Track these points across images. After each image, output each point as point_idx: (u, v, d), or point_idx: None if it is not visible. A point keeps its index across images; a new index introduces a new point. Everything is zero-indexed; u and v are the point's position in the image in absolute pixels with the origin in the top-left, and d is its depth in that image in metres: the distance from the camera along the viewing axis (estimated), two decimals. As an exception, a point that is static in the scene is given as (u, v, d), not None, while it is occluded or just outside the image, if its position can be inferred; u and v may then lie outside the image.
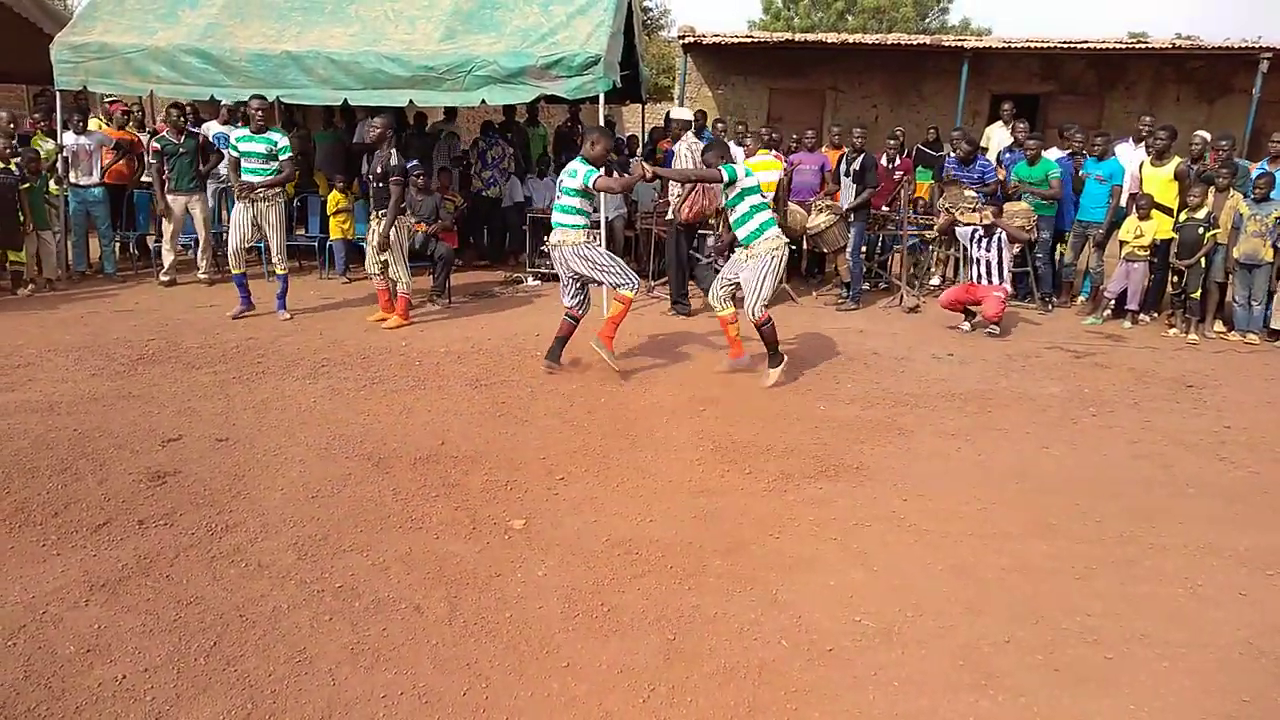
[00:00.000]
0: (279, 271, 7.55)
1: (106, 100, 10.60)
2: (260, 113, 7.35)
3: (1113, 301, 8.41)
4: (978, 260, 7.77)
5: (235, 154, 7.34)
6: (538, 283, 9.53)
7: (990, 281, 7.72)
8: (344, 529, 3.81)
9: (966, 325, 7.91)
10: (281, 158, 7.39)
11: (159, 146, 8.74)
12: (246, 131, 7.36)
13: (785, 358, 6.15)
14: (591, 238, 6.14)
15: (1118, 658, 3.08)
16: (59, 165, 8.73)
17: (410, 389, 5.76)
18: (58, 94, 8.71)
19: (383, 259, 7.25)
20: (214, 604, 3.20)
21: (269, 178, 7.32)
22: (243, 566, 3.47)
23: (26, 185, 8.21)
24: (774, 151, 9.02)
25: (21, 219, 8.20)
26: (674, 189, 8.29)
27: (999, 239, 7.65)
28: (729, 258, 8.43)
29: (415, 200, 8.17)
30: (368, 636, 3.06)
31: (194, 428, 4.92)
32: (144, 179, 9.71)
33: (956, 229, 8.14)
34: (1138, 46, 13.25)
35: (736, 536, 3.87)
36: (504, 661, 2.96)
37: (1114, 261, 8.51)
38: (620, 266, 6.16)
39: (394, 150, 7.23)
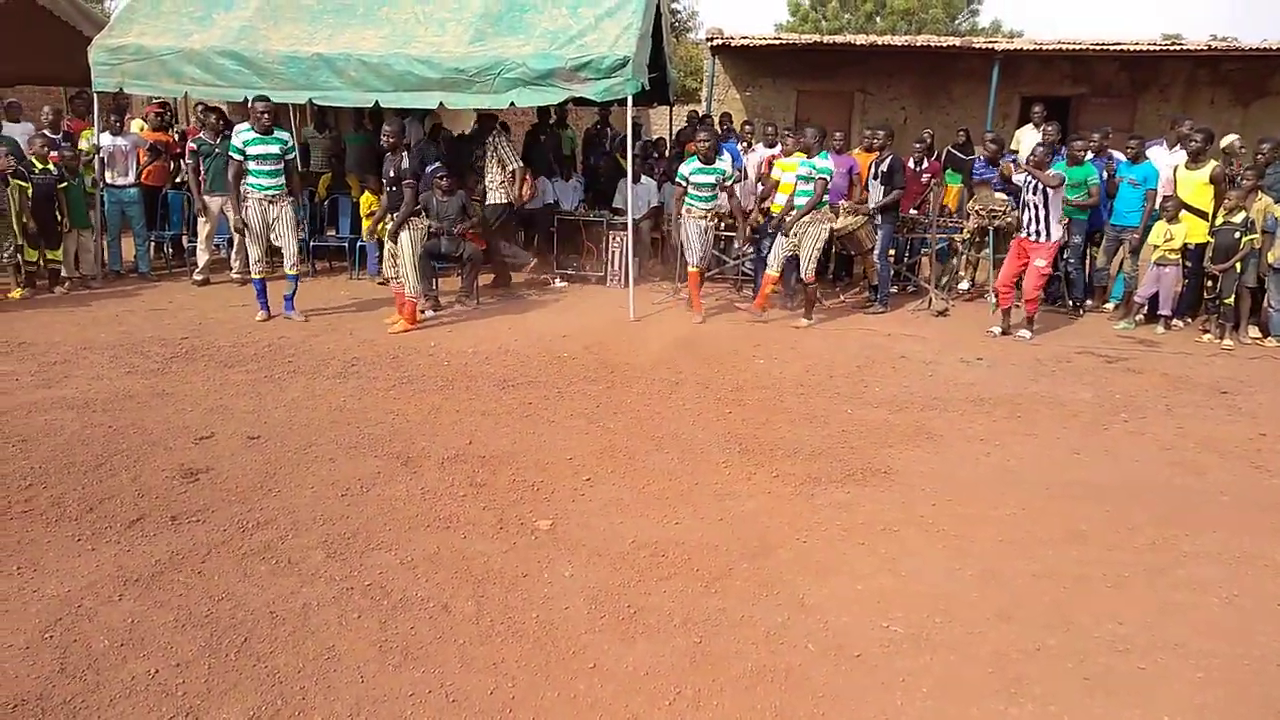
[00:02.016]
0: (291, 273, 7.57)
1: (149, 101, 10.74)
2: (266, 114, 7.26)
3: (1145, 306, 8.30)
4: (1028, 205, 7.66)
5: (240, 158, 7.22)
6: (565, 284, 9.55)
7: (1039, 229, 7.56)
8: (373, 527, 3.85)
9: (997, 329, 7.83)
10: (289, 158, 7.41)
11: (195, 147, 8.85)
12: (253, 134, 7.25)
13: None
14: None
15: (1150, 667, 3.04)
16: (95, 165, 8.87)
17: (439, 389, 5.80)
18: (95, 96, 8.85)
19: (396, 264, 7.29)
20: (245, 600, 3.24)
21: (281, 189, 7.33)
22: (273, 563, 3.51)
23: (64, 184, 8.36)
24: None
25: (60, 218, 8.36)
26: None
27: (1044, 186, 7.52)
28: (757, 253, 8.55)
29: (439, 202, 8.21)
30: (396, 635, 3.08)
31: (226, 425, 4.98)
32: (178, 180, 9.85)
33: (1014, 176, 8.01)
34: (1172, 48, 13.08)
35: (763, 540, 3.86)
36: (530, 662, 2.97)
37: (1147, 266, 8.40)
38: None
39: (405, 154, 7.25)
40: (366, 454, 4.66)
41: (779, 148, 9.59)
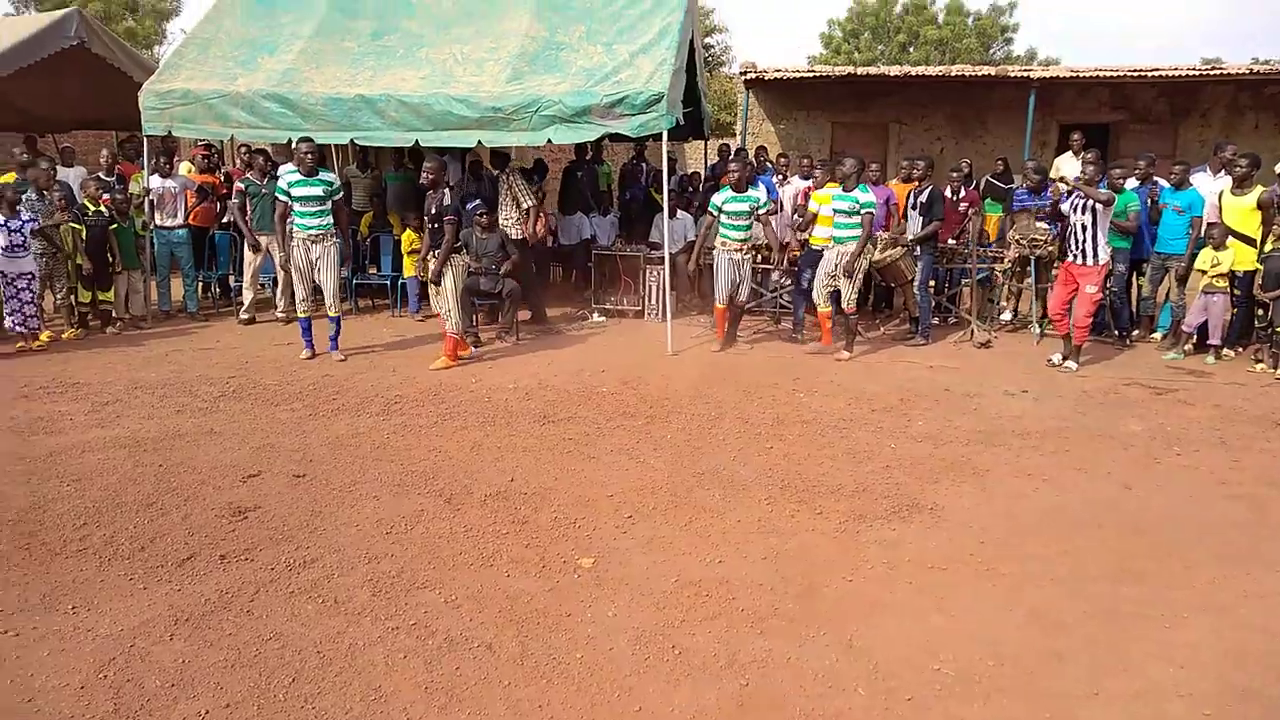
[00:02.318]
0: (333, 314, 7.65)
1: (195, 144, 11.03)
2: (310, 155, 7.38)
3: (1194, 335, 8.15)
4: (1074, 226, 7.55)
5: (286, 199, 7.35)
6: (603, 319, 9.60)
7: (1085, 252, 7.45)
8: (417, 565, 3.86)
9: (1057, 356, 7.70)
10: (335, 199, 7.51)
11: (243, 187, 9.05)
12: (298, 175, 7.39)
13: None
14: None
15: (1216, 714, 2.95)
16: (145, 207, 9.11)
17: (480, 425, 5.83)
18: (145, 139, 9.11)
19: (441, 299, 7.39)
20: (292, 640, 3.26)
21: (325, 229, 7.41)
22: (320, 602, 3.54)
23: (115, 226, 8.59)
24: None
25: (111, 259, 8.58)
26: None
27: (1094, 204, 7.40)
28: (796, 285, 8.56)
29: (479, 239, 8.32)
30: (441, 675, 3.08)
31: (273, 463, 5.05)
32: (224, 220, 10.07)
33: (1061, 204, 7.93)
34: (1212, 73, 12.91)
35: (809, 578, 3.81)
36: (576, 704, 2.95)
37: (1195, 293, 8.25)
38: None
39: (446, 191, 7.36)
40: (410, 491, 4.69)
41: (813, 180, 9.61)
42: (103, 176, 9.35)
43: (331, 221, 7.50)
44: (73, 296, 8.46)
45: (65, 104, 11.51)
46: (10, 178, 8.67)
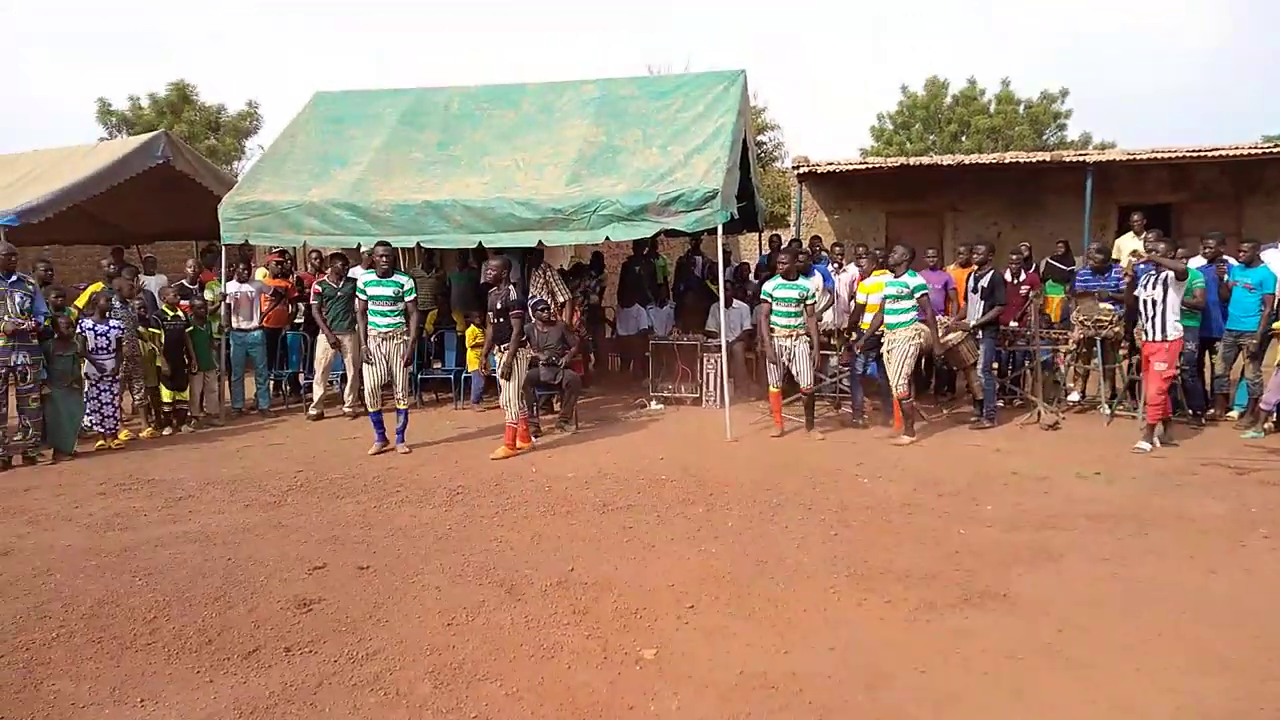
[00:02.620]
0: (401, 406, 7.85)
1: (270, 250, 11.54)
2: (385, 259, 7.71)
3: (1273, 414, 7.85)
4: (1145, 302, 7.43)
5: (364, 297, 7.70)
6: (661, 406, 9.63)
7: (1155, 327, 7.33)
8: (478, 657, 3.83)
9: (1145, 445, 7.46)
10: (407, 299, 7.77)
11: (320, 289, 9.38)
12: (374, 276, 7.74)
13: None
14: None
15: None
16: (222, 311, 9.53)
17: (540, 515, 5.84)
18: (223, 248, 9.58)
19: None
20: (355, 732, 3.25)
21: (395, 327, 7.69)
22: (382, 695, 3.52)
23: (191, 329, 8.99)
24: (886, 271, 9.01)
25: (187, 361, 8.95)
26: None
27: (1165, 278, 7.28)
28: (853, 370, 8.52)
29: (541, 333, 8.49)
30: (503, 769, 3.02)
31: (338, 556, 5.11)
32: (296, 321, 10.45)
33: (1138, 277, 7.81)
34: (1275, 150, 12.74)
35: (879, 670, 3.68)
36: (640, 799, 2.86)
37: (1271, 371, 7.98)
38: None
39: (511, 287, 7.57)
40: (471, 582, 4.69)
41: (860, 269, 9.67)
42: (186, 285, 9.84)
43: (403, 321, 7.76)
44: (150, 397, 8.81)
45: (151, 217, 12.25)
46: (98, 287, 9.15)
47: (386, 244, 7.93)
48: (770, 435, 8.11)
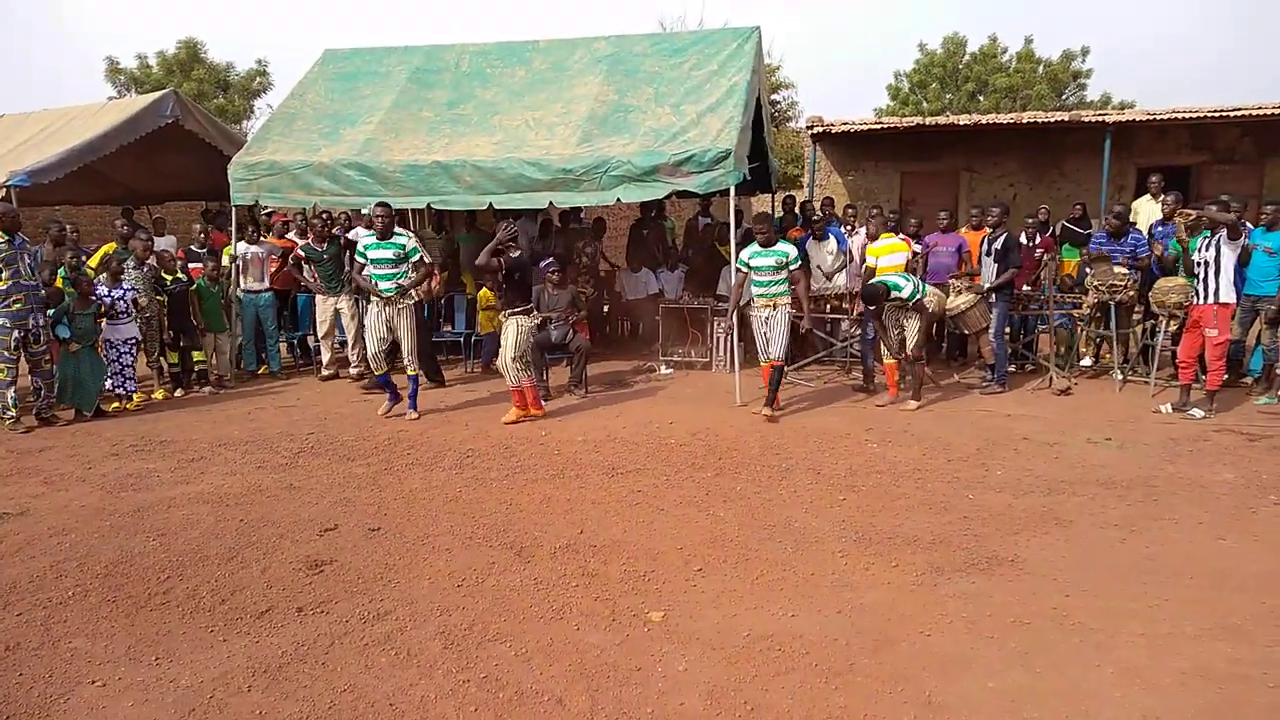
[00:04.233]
0: (410, 373, 7.69)
1: (264, 211, 11.44)
2: (383, 220, 7.48)
3: (1290, 379, 7.78)
4: (1199, 265, 7.32)
5: (363, 259, 7.55)
6: (670, 371, 9.62)
7: (1208, 291, 7.22)
8: (488, 618, 3.87)
9: (1166, 407, 7.43)
10: (412, 259, 7.54)
11: (303, 254, 9.31)
12: (373, 238, 7.53)
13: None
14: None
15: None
16: (233, 273, 9.52)
17: (549, 478, 5.87)
18: (233, 209, 9.55)
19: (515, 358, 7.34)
20: (366, 692, 3.29)
21: (399, 281, 7.46)
22: (393, 655, 3.57)
23: (196, 289, 8.97)
24: (900, 234, 8.92)
25: (195, 322, 8.95)
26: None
27: (1218, 240, 7.17)
28: (864, 335, 8.44)
29: (551, 295, 8.46)
30: (511, 729, 3.06)
31: (349, 517, 5.15)
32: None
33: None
34: (1299, 109, 12.49)
35: (885, 633, 3.70)
36: (646, 759, 2.89)
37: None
38: None
39: (517, 251, 7.41)
40: (481, 544, 4.73)
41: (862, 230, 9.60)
42: (194, 248, 9.83)
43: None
44: (162, 359, 8.85)
45: (160, 177, 12.22)
46: (111, 248, 9.17)
47: (386, 204, 7.70)
48: (760, 411, 7.93)
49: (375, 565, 4.46)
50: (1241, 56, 48.13)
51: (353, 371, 9.53)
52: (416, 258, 7.62)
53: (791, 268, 7.49)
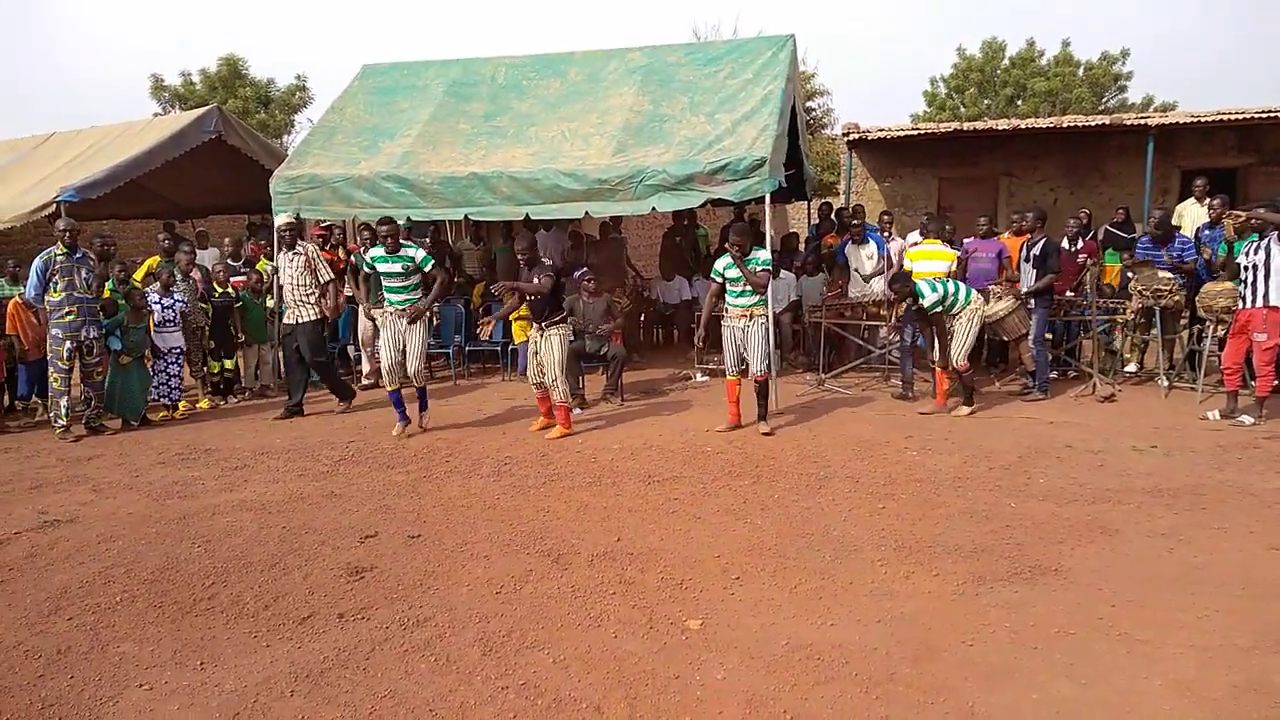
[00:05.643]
0: (417, 384, 7.57)
1: (315, 224, 11.61)
2: (388, 235, 7.35)
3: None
4: (1247, 269, 7.17)
5: (370, 271, 7.53)
6: (706, 378, 9.60)
7: (1257, 294, 7.06)
8: (526, 625, 3.88)
9: (1214, 413, 7.29)
10: (425, 269, 7.46)
11: (354, 262, 9.42)
12: (382, 252, 7.42)
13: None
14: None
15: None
16: (274, 285, 9.68)
17: (586, 486, 5.88)
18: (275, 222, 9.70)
19: (543, 370, 7.30)
20: (406, 698, 3.31)
21: (409, 308, 7.40)
22: (432, 661, 3.59)
23: (240, 303, 9.19)
24: (941, 241, 8.83)
25: (235, 333, 9.16)
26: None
27: (1267, 242, 7.01)
28: (903, 342, 8.37)
29: (586, 304, 8.50)
30: (550, 736, 3.07)
31: (389, 525, 5.20)
32: (346, 294, 10.58)
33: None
34: (1350, 109, 12.19)
35: (926, 643, 3.66)
36: (685, 768, 2.88)
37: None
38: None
39: (541, 268, 7.32)
40: (519, 551, 4.75)
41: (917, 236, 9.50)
42: (230, 262, 10.00)
43: (419, 296, 7.48)
44: (205, 369, 9.04)
45: (203, 191, 12.47)
46: (155, 261, 9.36)
47: (390, 220, 7.58)
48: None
49: (415, 572, 4.49)
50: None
51: (364, 382, 9.62)
52: (429, 266, 7.50)
53: (760, 269, 7.12)
